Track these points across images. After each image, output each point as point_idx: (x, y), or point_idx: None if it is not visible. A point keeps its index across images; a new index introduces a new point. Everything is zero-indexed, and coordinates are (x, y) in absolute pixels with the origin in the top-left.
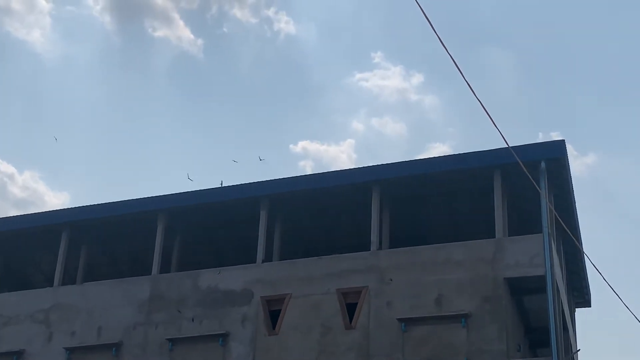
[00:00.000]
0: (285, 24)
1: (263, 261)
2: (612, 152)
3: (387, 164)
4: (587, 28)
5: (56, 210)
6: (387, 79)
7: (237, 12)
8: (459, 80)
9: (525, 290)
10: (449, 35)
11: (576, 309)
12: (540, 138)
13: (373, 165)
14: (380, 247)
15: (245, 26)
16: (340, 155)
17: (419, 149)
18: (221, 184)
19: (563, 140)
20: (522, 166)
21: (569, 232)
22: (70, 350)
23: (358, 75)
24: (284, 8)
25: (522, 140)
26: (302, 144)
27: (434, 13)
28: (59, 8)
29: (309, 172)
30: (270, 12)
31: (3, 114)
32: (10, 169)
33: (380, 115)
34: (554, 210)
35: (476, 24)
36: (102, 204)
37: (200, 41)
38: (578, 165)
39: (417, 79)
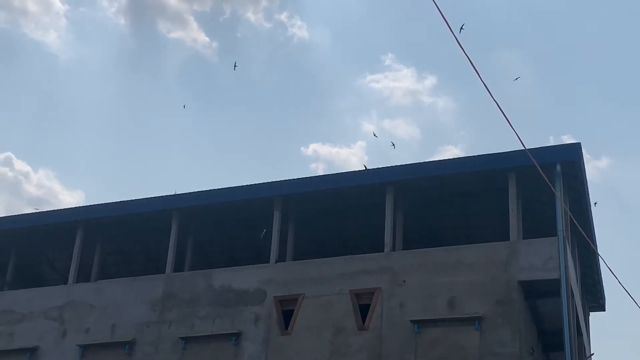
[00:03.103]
0: (298, 29)
1: (276, 261)
2: (625, 156)
3: (401, 165)
4: (599, 31)
5: (71, 208)
6: (399, 81)
7: (251, 16)
8: (471, 82)
9: (539, 294)
10: (461, 38)
11: (590, 312)
12: (552, 141)
13: (387, 167)
14: (393, 249)
15: (258, 30)
16: (351, 157)
17: (430, 152)
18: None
19: (579, 143)
20: (538, 168)
21: (584, 235)
22: (84, 348)
23: (369, 77)
24: (297, 12)
25: (534, 144)
26: (313, 146)
27: (447, 16)
28: (74, 10)
29: (320, 174)
30: (284, 17)
31: (19, 113)
32: (25, 167)
33: (392, 118)
34: (569, 213)
35: (487, 26)
36: (117, 202)
37: (215, 44)
38: (591, 169)
39: (430, 81)
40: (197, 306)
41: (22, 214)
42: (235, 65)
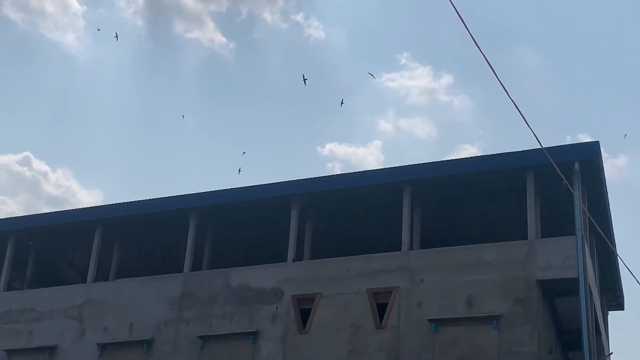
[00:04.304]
0: (314, 30)
1: (294, 260)
2: None
3: (419, 164)
4: (616, 28)
5: (90, 207)
6: (415, 80)
7: (268, 17)
8: (487, 80)
9: (557, 293)
10: (476, 35)
11: (609, 311)
12: (568, 140)
13: (405, 165)
14: (411, 247)
15: (275, 31)
16: (367, 157)
17: (447, 151)
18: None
19: (597, 142)
20: (556, 167)
21: (602, 234)
22: (102, 346)
23: (385, 76)
24: (313, 13)
25: (550, 142)
26: (329, 146)
27: (462, 13)
28: (92, 11)
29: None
30: (300, 17)
31: (37, 114)
32: (44, 167)
33: (409, 116)
34: (587, 212)
35: (503, 23)
36: (135, 201)
37: (232, 45)
38: (608, 167)
39: (446, 79)
40: (215, 305)
41: (42, 213)
42: (304, 79)
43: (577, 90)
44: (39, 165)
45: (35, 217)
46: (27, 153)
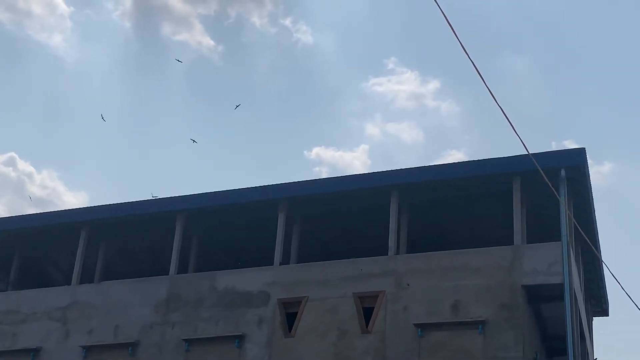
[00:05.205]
0: (303, 34)
1: (280, 263)
2: (628, 161)
3: (406, 168)
4: (602, 36)
5: (75, 208)
6: (402, 84)
7: (256, 21)
8: (474, 86)
9: (542, 298)
10: (464, 41)
11: (594, 317)
12: (554, 146)
13: (392, 170)
14: (397, 252)
15: (263, 35)
16: (354, 161)
17: (434, 156)
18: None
19: (583, 149)
20: (542, 174)
21: (588, 241)
22: (87, 349)
23: (372, 81)
24: (302, 17)
25: (536, 148)
26: (316, 150)
27: (450, 19)
28: (79, 12)
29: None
30: (288, 22)
31: (23, 114)
32: (28, 168)
33: (396, 121)
34: (572, 218)
35: (491, 30)
36: (121, 203)
37: (220, 48)
38: (593, 173)
39: (434, 84)
40: (201, 308)
41: (27, 214)
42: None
43: (562, 97)
44: (23, 165)
45: (20, 218)
46: (12, 154)
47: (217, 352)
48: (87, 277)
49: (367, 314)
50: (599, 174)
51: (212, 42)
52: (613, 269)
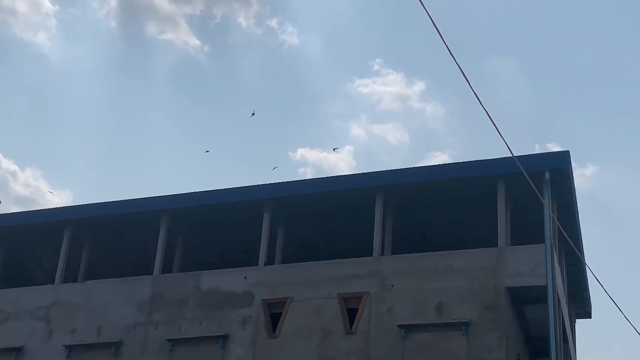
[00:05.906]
0: (289, 35)
1: (265, 264)
2: (611, 164)
3: (391, 170)
4: (587, 40)
5: (59, 207)
6: (388, 86)
7: (242, 22)
8: (460, 88)
9: (526, 300)
10: (450, 44)
11: (577, 320)
12: (537, 149)
13: (377, 171)
14: (382, 253)
15: (249, 36)
16: (339, 162)
17: (419, 157)
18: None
19: (567, 151)
20: (527, 176)
21: (571, 243)
22: (70, 348)
23: (357, 82)
24: (288, 19)
25: (520, 151)
26: (301, 151)
27: (436, 21)
28: (64, 10)
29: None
30: (274, 23)
31: (7, 113)
32: (12, 166)
33: (381, 122)
34: (556, 221)
35: (477, 33)
36: (105, 202)
37: (206, 48)
38: (577, 176)
39: (419, 86)
40: (185, 308)
41: (10, 213)
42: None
43: (547, 100)
44: (7, 164)
45: (4, 216)
46: None
47: (200, 352)
48: (70, 277)
49: (352, 314)
50: (582, 177)
51: (197, 42)
52: (596, 272)
